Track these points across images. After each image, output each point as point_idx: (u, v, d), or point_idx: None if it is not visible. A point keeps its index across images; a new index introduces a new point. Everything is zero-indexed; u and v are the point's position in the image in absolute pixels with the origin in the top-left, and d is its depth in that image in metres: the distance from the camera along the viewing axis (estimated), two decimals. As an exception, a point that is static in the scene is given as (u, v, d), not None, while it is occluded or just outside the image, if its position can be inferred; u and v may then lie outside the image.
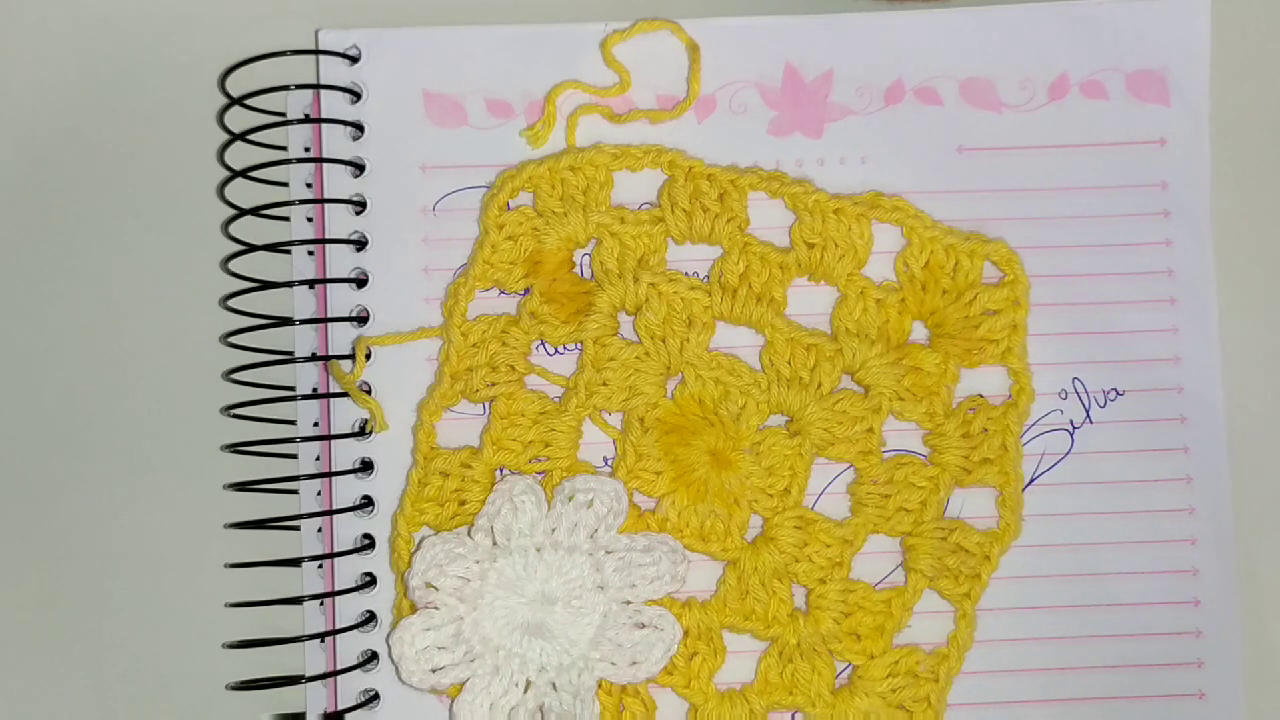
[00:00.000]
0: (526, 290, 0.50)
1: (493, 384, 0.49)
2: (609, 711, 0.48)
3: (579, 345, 0.49)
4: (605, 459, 0.49)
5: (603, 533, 0.48)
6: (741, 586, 0.48)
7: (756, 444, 0.49)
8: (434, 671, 0.47)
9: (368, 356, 0.49)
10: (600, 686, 0.48)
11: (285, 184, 0.50)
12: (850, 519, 0.49)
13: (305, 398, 0.49)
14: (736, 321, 0.49)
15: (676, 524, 0.48)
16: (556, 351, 0.50)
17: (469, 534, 0.48)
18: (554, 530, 0.48)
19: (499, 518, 0.47)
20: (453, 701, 0.47)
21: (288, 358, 0.50)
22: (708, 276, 0.50)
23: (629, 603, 0.47)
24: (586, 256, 0.50)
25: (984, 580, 0.48)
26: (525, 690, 0.47)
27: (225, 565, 0.49)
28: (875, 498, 0.49)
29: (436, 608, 0.47)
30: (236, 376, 0.49)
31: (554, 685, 0.47)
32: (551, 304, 0.49)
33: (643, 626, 0.47)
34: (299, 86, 0.50)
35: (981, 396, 0.49)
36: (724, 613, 0.48)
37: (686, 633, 0.48)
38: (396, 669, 0.47)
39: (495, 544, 0.47)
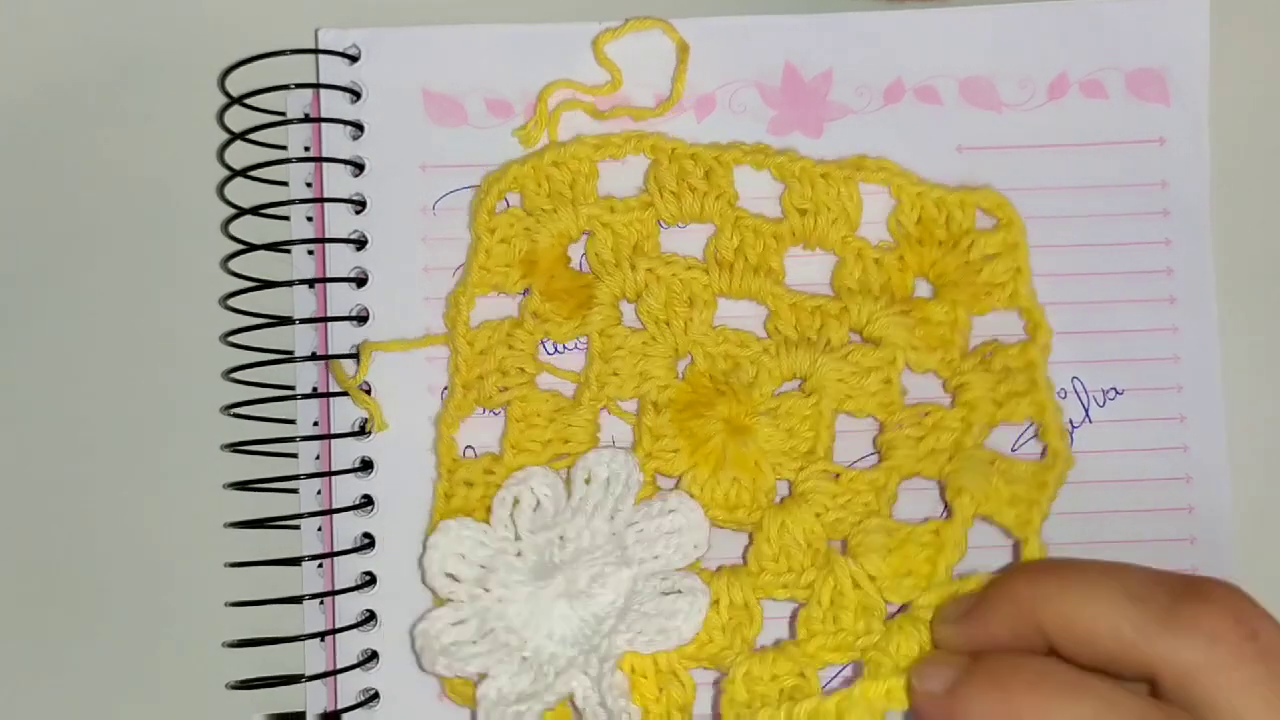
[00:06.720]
0: (526, 291, 0.50)
1: (505, 388, 0.49)
2: (646, 695, 0.46)
3: (584, 341, 0.49)
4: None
5: (621, 505, 0.47)
6: (773, 547, 0.47)
7: (773, 409, 0.48)
8: (459, 660, 0.46)
9: None
10: (634, 670, 0.46)
11: (285, 183, 0.50)
12: (881, 464, 0.48)
13: (305, 397, 0.49)
14: (737, 295, 0.49)
15: (700, 498, 0.48)
16: (558, 349, 0.49)
17: (490, 524, 0.47)
18: (574, 512, 0.47)
19: (517, 506, 0.47)
20: (477, 690, 0.46)
21: (288, 357, 0.50)
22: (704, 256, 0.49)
23: (656, 573, 0.46)
24: (582, 250, 0.50)
25: (1043, 508, 0.46)
26: (554, 677, 0.46)
27: (225, 565, 0.49)
28: (905, 440, 0.48)
29: (460, 599, 0.47)
30: (236, 376, 0.49)
31: (584, 671, 0.46)
32: (553, 301, 0.49)
33: (670, 594, 0.46)
34: (299, 86, 0.50)
35: (996, 340, 0.49)
36: (759, 576, 0.47)
37: (717, 601, 0.46)
38: (418, 658, 0.47)
39: (515, 533, 0.47)
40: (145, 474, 0.50)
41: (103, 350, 0.51)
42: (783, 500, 0.48)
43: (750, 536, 0.48)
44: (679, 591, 0.46)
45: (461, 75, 0.50)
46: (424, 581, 0.47)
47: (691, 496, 0.48)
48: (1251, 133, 0.51)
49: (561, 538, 0.47)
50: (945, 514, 0.48)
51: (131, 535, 0.50)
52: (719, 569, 0.47)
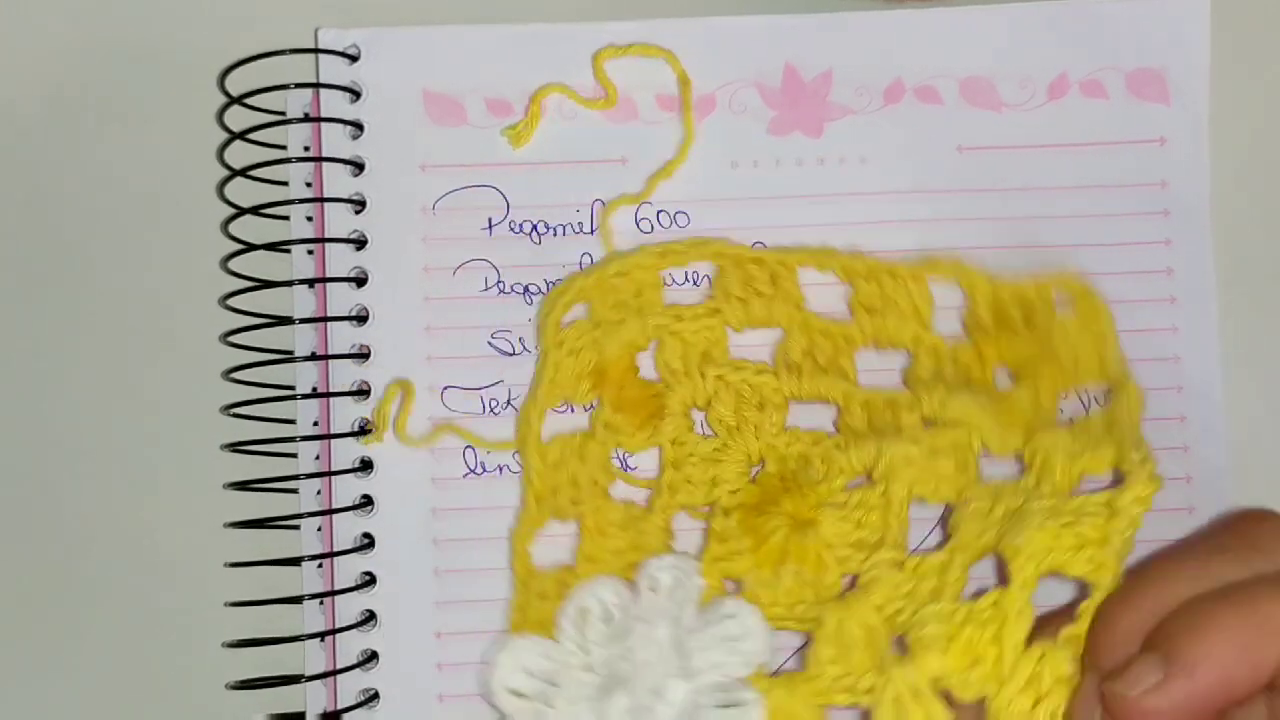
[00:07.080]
0: (594, 403, 0.49)
1: (577, 501, 0.48)
2: None
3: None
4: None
5: (682, 613, 0.45)
6: (832, 647, 0.44)
7: (841, 502, 0.46)
8: None
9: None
10: None
11: (285, 183, 0.50)
12: (945, 545, 0.45)
13: (305, 397, 0.49)
14: (808, 398, 0.48)
15: (763, 597, 0.46)
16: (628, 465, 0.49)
17: (555, 638, 0.46)
18: (637, 621, 0.45)
19: (584, 618, 0.46)
20: None
21: (288, 357, 0.50)
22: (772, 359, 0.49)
23: (714, 685, 0.44)
24: (650, 358, 0.49)
25: (1115, 543, 0.41)
26: None
27: (225, 565, 0.49)
28: (971, 515, 0.44)
29: (527, 718, 0.45)
30: (236, 376, 0.49)
31: None
32: (623, 412, 0.48)
33: (729, 706, 0.44)
34: (298, 86, 0.50)
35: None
36: (817, 681, 0.44)
37: (774, 713, 0.43)
38: None
39: (583, 646, 0.46)
40: (145, 474, 0.50)
41: (103, 350, 0.51)
42: (845, 595, 0.45)
43: (810, 636, 0.45)
44: (734, 705, 0.44)
45: (461, 75, 0.50)
46: (485, 698, 0.46)
47: (749, 602, 0.45)
48: (1251, 133, 0.51)
49: (628, 649, 0.45)
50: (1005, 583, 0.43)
51: (131, 535, 0.50)
52: (779, 676, 0.45)
